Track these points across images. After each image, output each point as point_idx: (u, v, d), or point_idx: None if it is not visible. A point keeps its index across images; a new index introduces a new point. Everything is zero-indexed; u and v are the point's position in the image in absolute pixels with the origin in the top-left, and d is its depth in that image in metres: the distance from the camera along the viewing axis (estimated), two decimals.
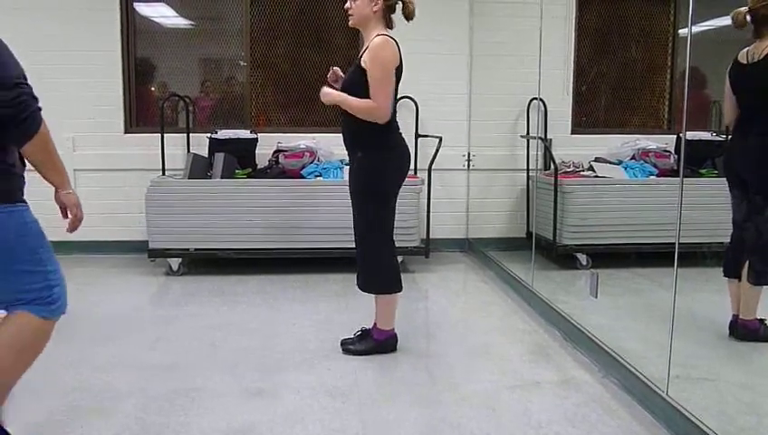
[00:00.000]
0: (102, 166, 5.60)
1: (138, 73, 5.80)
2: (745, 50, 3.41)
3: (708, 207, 4.94)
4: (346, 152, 3.42)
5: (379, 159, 3.30)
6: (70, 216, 2.39)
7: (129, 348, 3.53)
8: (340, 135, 3.39)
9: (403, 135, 3.39)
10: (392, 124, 3.31)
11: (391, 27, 3.30)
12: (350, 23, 3.28)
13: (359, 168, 3.32)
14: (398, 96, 3.36)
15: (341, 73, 3.39)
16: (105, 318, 4.07)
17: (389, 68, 3.18)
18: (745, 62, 3.42)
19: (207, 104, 6.10)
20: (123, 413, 2.73)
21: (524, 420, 2.72)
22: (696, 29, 4.46)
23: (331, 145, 5.48)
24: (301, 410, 2.78)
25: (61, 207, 2.46)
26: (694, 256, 5.03)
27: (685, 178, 5.12)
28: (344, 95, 3.23)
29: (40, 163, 2.20)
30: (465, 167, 5.94)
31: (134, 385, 3.02)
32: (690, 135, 5.62)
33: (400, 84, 3.29)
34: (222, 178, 5.12)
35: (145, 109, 5.89)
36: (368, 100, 3.17)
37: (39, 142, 2.12)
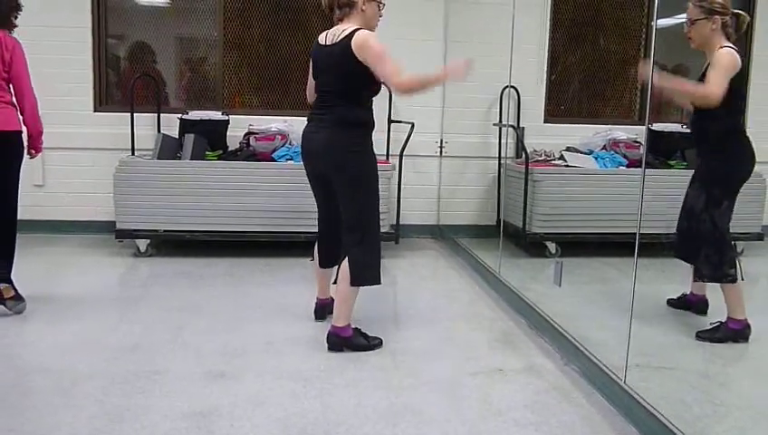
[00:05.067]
0: (71, 144, 5.49)
1: (108, 51, 5.70)
2: None
3: (675, 198, 5.00)
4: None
5: (367, 139, 3.21)
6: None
7: (91, 329, 3.49)
8: None
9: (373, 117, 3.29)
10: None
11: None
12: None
13: (360, 151, 3.16)
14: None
15: None
16: (69, 298, 4.00)
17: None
18: None
19: (181, 84, 6.01)
20: (83, 395, 2.71)
21: (485, 406, 2.75)
22: (670, 21, 4.50)
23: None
24: (262, 394, 2.78)
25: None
26: (659, 246, 5.11)
27: (653, 170, 5.25)
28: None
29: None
30: (438, 153, 5.94)
31: (95, 367, 3.00)
32: (660, 127, 5.69)
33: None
34: (192, 159, 5.06)
35: (115, 87, 5.80)
36: None
37: None
